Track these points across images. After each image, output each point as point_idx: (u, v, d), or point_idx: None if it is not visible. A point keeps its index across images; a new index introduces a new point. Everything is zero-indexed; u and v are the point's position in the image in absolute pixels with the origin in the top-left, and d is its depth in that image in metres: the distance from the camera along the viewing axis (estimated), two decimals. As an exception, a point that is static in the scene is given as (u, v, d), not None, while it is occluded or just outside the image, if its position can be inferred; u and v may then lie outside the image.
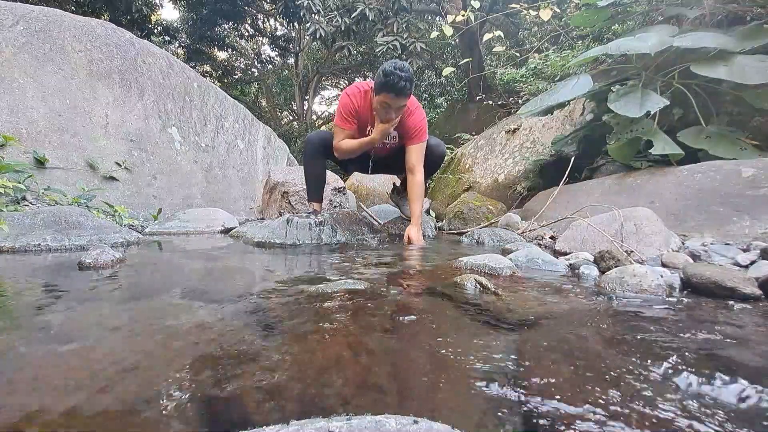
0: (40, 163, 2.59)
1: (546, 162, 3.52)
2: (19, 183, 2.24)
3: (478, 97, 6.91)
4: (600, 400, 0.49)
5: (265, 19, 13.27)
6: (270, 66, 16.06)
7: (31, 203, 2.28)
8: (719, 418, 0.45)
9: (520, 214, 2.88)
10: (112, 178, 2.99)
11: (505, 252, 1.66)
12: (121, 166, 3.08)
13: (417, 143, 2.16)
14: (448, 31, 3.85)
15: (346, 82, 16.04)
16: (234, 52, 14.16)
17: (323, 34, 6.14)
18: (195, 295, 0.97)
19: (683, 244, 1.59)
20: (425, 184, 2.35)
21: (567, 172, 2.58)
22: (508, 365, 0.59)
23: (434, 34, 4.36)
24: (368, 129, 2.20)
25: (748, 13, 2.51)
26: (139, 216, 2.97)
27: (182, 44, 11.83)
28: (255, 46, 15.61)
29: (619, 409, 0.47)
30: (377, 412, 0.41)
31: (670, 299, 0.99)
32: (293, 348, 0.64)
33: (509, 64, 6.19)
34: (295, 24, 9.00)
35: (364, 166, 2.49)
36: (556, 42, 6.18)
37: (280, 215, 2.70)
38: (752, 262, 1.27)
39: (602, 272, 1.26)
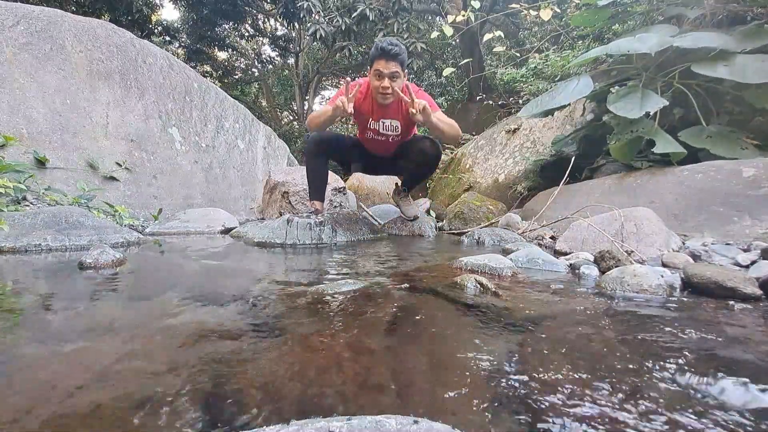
0: (41, 163, 2.59)
1: (546, 162, 3.51)
2: (20, 183, 2.24)
3: (478, 97, 6.91)
4: (601, 400, 0.49)
5: (266, 19, 13.27)
6: (270, 66, 16.06)
7: (31, 203, 2.28)
8: (720, 418, 0.45)
9: (521, 214, 2.88)
10: (113, 178, 2.99)
11: (505, 252, 1.66)
12: (121, 166, 3.08)
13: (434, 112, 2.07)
14: (449, 31, 3.85)
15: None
16: (234, 52, 14.15)
17: (323, 35, 6.14)
18: (195, 296, 0.97)
19: (684, 244, 1.59)
20: (424, 183, 2.33)
21: (567, 172, 2.58)
22: (509, 365, 0.59)
23: (434, 34, 4.36)
24: (369, 121, 2.20)
25: (748, 13, 2.51)
26: (139, 216, 2.97)
27: (182, 44, 11.83)
28: (255, 46, 15.61)
29: (620, 408, 0.47)
30: (377, 412, 0.41)
31: (671, 299, 0.99)
32: (293, 348, 0.64)
33: (509, 64, 6.18)
34: (296, 24, 9.00)
35: (363, 163, 2.48)
36: (557, 42, 6.18)
37: (281, 215, 2.70)
38: (753, 262, 1.26)
39: (602, 272, 1.26)
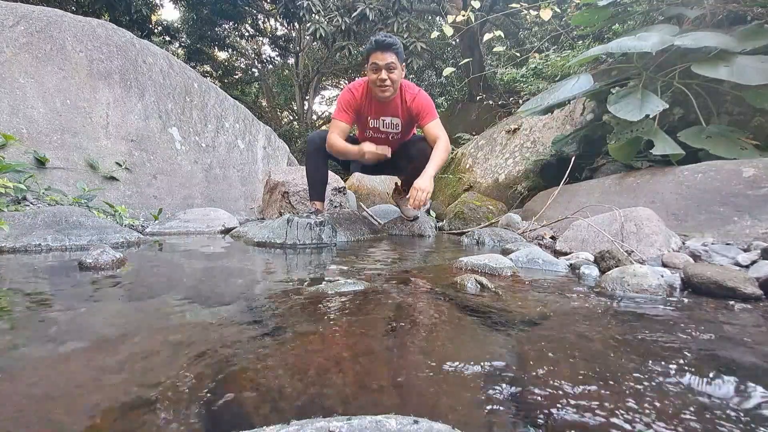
0: (41, 163, 2.59)
1: (546, 162, 3.52)
2: (20, 183, 2.24)
3: (478, 97, 6.91)
4: (601, 400, 0.49)
5: (266, 19, 13.26)
6: (270, 66, 16.06)
7: (31, 203, 2.28)
8: (720, 418, 0.45)
9: (521, 214, 2.88)
10: (113, 178, 2.99)
11: (505, 252, 1.66)
12: (121, 166, 3.08)
13: (431, 120, 2.13)
14: (449, 31, 3.85)
15: (347, 82, 16.03)
16: (234, 52, 14.14)
17: (323, 34, 6.14)
18: (195, 296, 0.97)
19: (684, 244, 1.59)
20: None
21: (567, 172, 2.58)
22: (509, 365, 0.59)
23: (434, 34, 4.35)
24: (368, 119, 2.20)
25: (748, 13, 2.51)
26: (139, 216, 2.97)
27: (182, 44, 11.82)
28: (255, 46, 15.61)
29: (619, 409, 0.47)
30: (377, 412, 0.41)
31: (671, 299, 0.99)
32: (294, 348, 0.64)
33: (509, 64, 6.18)
34: (296, 24, 9.00)
35: (363, 163, 2.49)
36: (557, 42, 6.18)
37: (281, 215, 2.70)
38: (753, 262, 1.26)
39: (603, 272, 1.25)
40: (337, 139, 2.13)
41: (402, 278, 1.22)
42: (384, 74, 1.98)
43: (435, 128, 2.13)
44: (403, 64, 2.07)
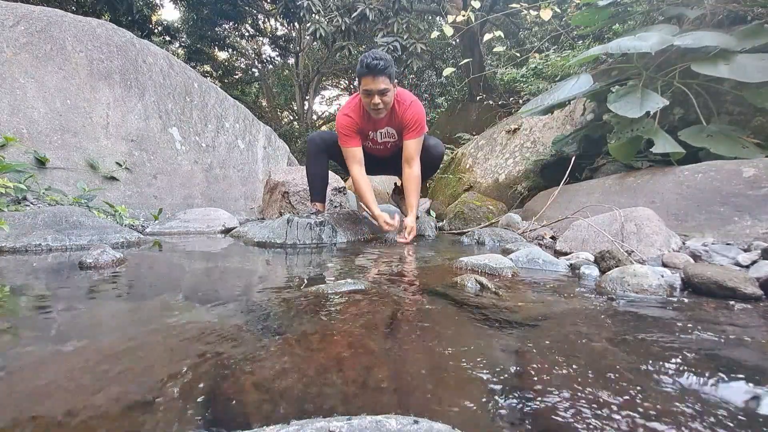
0: (41, 163, 2.59)
1: (546, 162, 3.51)
2: (20, 183, 2.24)
3: (478, 97, 6.90)
4: (601, 401, 0.49)
5: (266, 19, 13.27)
6: (270, 66, 16.08)
7: (32, 203, 2.28)
8: (720, 418, 0.45)
9: (521, 214, 2.88)
10: (113, 178, 3.00)
11: (505, 252, 1.66)
12: (121, 166, 3.08)
13: (415, 137, 2.15)
14: (449, 31, 3.85)
15: (347, 82, 16.06)
16: (234, 52, 14.16)
17: (323, 34, 6.14)
18: (195, 296, 0.97)
19: (684, 244, 1.59)
20: (425, 183, 2.37)
21: (567, 172, 2.58)
22: (509, 365, 0.59)
23: (435, 34, 4.35)
24: (369, 134, 2.21)
25: (748, 13, 2.51)
26: (139, 216, 2.97)
27: (183, 44, 11.84)
28: (255, 46, 15.63)
29: (620, 409, 0.47)
30: (377, 412, 0.41)
31: (671, 299, 0.99)
32: (294, 348, 0.64)
33: (510, 64, 6.18)
34: (296, 24, 9.00)
35: (366, 168, 2.50)
36: (557, 42, 6.18)
37: (281, 215, 2.71)
38: (753, 262, 1.26)
39: (603, 272, 1.25)
40: (360, 182, 2.18)
41: (402, 278, 1.22)
42: (377, 99, 1.97)
43: (413, 147, 2.15)
44: (395, 81, 2.05)
